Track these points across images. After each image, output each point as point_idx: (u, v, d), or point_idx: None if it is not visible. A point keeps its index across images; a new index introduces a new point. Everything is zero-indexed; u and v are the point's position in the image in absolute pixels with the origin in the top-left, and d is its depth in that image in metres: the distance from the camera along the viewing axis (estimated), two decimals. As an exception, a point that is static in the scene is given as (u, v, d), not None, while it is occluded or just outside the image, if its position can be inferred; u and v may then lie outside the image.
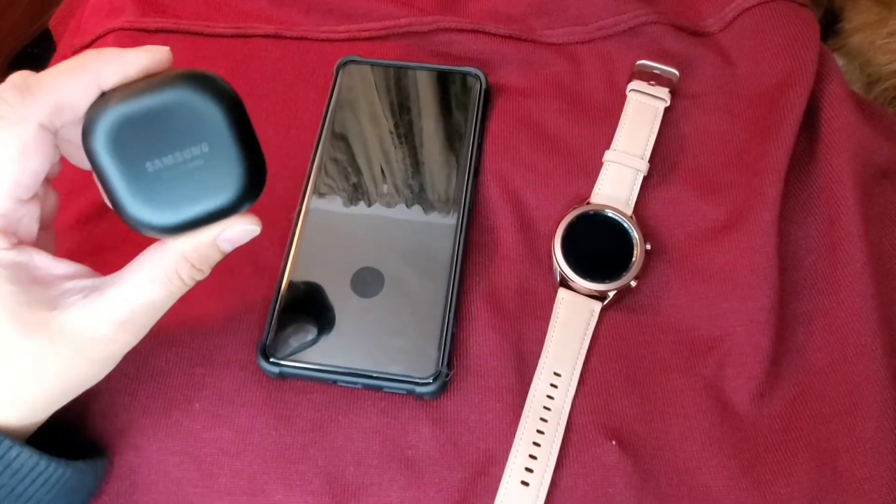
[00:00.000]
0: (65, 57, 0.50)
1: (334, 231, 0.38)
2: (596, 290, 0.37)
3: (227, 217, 0.29)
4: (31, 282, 0.27)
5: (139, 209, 0.27)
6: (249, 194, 0.29)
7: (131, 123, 0.26)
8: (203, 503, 0.33)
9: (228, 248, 0.31)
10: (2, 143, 0.26)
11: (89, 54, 0.27)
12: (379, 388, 0.35)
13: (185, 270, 0.29)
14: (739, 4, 0.43)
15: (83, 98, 0.27)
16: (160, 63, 0.29)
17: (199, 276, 0.30)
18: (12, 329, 0.26)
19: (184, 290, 0.30)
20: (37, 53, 0.61)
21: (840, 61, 0.46)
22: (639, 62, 0.42)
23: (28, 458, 0.28)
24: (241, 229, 0.30)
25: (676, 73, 0.41)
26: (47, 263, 0.29)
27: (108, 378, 0.34)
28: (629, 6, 0.44)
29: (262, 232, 0.39)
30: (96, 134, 0.26)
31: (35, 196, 0.28)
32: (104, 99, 0.27)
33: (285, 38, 0.46)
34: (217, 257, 0.30)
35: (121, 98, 0.26)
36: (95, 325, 0.28)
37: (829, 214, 0.37)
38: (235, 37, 0.46)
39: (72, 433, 0.34)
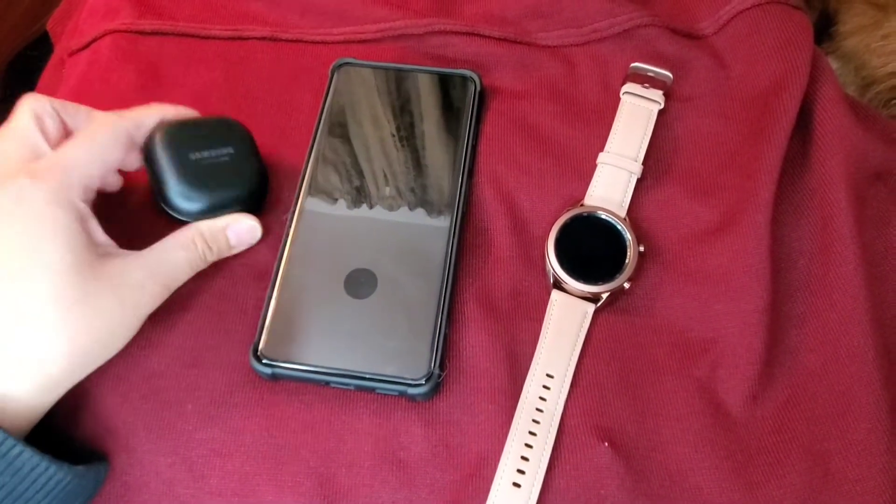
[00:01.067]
0: (61, 59, 0.50)
1: (328, 232, 0.38)
2: (589, 292, 0.37)
3: (240, 205, 0.38)
4: (91, 234, 0.33)
5: (181, 190, 0.37)
6: (257, 187, 0.39)
7: (183, 129, 0.38)
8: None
9: (234, 240, 0.38)
10: (108, 139, 0.35)
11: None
12: (371, 390, 0.35)
13: (200, 242, 0.36)
14: (734, 7, 0.43)
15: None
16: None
17: (210, 256, 0.37)
18: (77, 271, 0.31)
19: (198, 262, 0.36)
20: (35, 56, 0.61)
21: (834, 64, 0.46)
22: (633, 65, 0.42)
23: (29, 458, 0.28)
24: (247, 224, 0.38)
25: (670, 75, 0.41)
26: (97, 227, 0.34)
27: (100, 380, 0.34)
28: (623, 9, 0.44)
29: None
30: (159, 135, 0.37)
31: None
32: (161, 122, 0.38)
33: (281, 40, 0.46)
34: (224, 244, 0.38)
35: (174, 119, 0.38)
36: (132, 271, 0.33)
37: (822, 216, 0.37)
38: (231, 39, 0.46)
39: (65, 437, 0.34)
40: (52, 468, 0.29)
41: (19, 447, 0.28)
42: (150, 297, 0.33)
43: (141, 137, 0.37)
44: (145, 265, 0.33)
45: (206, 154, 0.38)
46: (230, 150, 0.38)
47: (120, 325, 0.32)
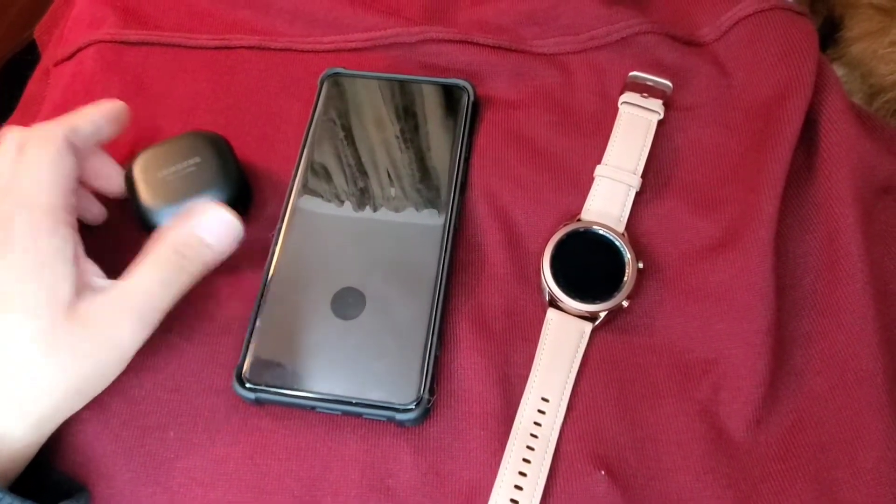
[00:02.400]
0: (47, 69, 0.49)
1: (315, 250, 0.37)
2: (586, 311, 0.36)
3: None
4: (76, 264, 0.31)
5: (149, 208, 0.37)
6: (232, 194, 0.38)
7: (152, 151, 0.38)
8: None
9: (210, 238, 0.34)
10: (44, 149, 0.32)
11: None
12: (359, 415, 0.34)
13: (168, 254, 0.33)
14: (735, 13, 0.41)
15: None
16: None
17: (190, 266, 0.33)
18: (56, 312, 0.30)
19: (178, 278, 0.33)
20: (29, 60, 0.60)
21: (840, 71, 0.45)
22: (631, 73, 0.40)
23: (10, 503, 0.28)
24: (216, 216, 0.34)
25: (670, 84, 0.40)
26: (81, 253, 0.32)
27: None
28: (622, 16, 0.42)
29: (240, 250, 0.38)
30: (132, 163, 0.38)
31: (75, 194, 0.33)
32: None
33: (269, 49, 0.45)
34: (199, 247, 0.34)
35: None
36: (103, 310, 0.31)
37: (829, 232, 0.36)
38: (219, 48, 0.45)
39: (45, 466, 0.33)
40: None
41: (0, 493, 0.28)
42: (129, 333, 0.31)
43: (81, 140, 0.35)
44: (115, 301, 0.31)
45: (172, 169, 0.38)
46: (197, 159, 0.38)
47: (104, 365, 0.31)
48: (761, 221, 0.35)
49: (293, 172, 0.39)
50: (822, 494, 0.32)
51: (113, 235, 0.39)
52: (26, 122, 0.47)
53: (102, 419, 0.34)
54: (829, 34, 0.47)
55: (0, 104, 0.53)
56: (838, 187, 0.36)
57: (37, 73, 0.51)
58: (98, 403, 0.34)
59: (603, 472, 0.32)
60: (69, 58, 0.46)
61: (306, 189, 0.39)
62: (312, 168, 0.39)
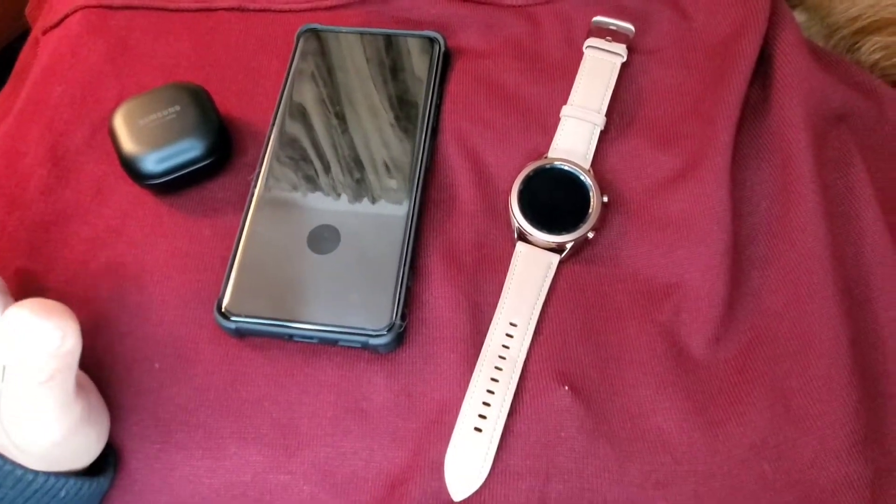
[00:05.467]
0: (35, 39, 0.51)
1: (292, 192, 0.39)
2: (553, 243, 0.37)
3: (198, 160, 0.39)
4: None
5: (131, 153, 0.38)
6: (212, 141, 0.39)
7: (134, 100, 0.40)
8: (161, 457, 0.34)
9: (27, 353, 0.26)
10: None
11: None
12: (334, 342, 0.35)
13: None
14: (694, -43, 0.43)
15: None
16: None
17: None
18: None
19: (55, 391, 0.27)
20: (20, 49, 0.62)
21: (802, 16, 0.46)
22: (595, 18, 0.42)
23: (45, 480, 0.29)
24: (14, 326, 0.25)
25: (632, 28, 0.41)
26: None
27: None
28: None
29: (222, 195, 0.39)
30: (114, 113, 0.40)
31: None
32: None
33: (248, 10, 0.46)
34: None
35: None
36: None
37: (782, 158, 0.37)
38: (200, 11, 0.47)
39: None
40: (70, 482, 0.30)
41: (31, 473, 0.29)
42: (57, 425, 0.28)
43: None
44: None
45: (153, 117, 0.39)
46: (177, 107, 0.39)
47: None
48: (717, 150, 0.37)
49: (271, 120, 0.41)
50: (776, 402, 0.33)
51: (107, 188, 0.40)
52: (17, 89, 0.49)
53: (90, 356, 0.35)
54: (790, -19, 0.48)
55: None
56: (791, 116, 0.37)
57: (27, 44, 0.53)
58: (86, 343, 0.35)
59: (566, 388, 0.33)
60: (57, 25, 0.48)
61: (283, 135, 0.40)
62: (290, 116, 0.41)
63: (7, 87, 0.52)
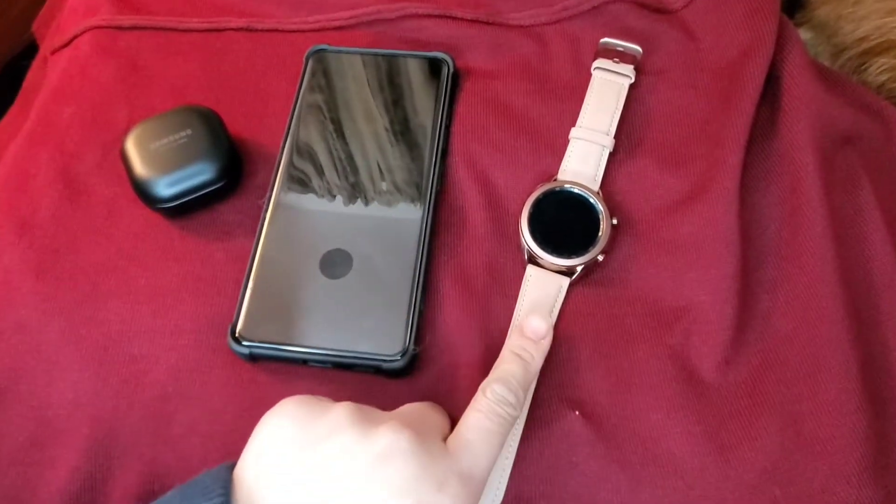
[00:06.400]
0: (44, 58, 0.51)
1: (303, 215, 0.39)
2: (563, 266, 0.37)
3: (212, 185, 0.39)
4: None
5: (144, 177, 0.39)
6: (223, 165, 0.39)
7: (146, 124, 0.40)
8: (177, 483, 0.34)
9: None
10: None
11: None
12: (348, 367, 0.35)
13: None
14: (701, -21, 0.43)
15: None
16: None
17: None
18: None
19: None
20: (27, 65, 0.62)
21: (808, 34, 0.46)
22: (602, 40, 0.42)
23: None
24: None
25: (639, 49, 0.42)
26: None
27: (82, 365, 0.35)
28: None
29: (233, 218, 0.40)
30: (127, 136, 0.40)
31: None
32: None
33: (257, 30, 0.47)
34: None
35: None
36: None
37: (791, 181, 0.37)
38: (209, 31, 0.47)
39: None
40: None
41: None
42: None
43: None
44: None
45: (164, 141, 0.39)
46: (188, 131, 0.39)
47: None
48: (726, 173, 0.37)
49: (282, 143, 0.41)
50: (787, 426, 0.33)
51: (118, 210, 0.40)
52: (25, 110, 0.49)
53: (102, 375, 0.36)
54: (796, 0, 0.48)
55: (2, 103, 0.54)
56: (799, 138, 0.37)
57: (35, 63, 0.53)
58: (99, 363, 0.36)
59: (577, 413, 0.34)
60: (66, 45, 0.48)
61: (294, 159, 0.41)
62: (299, 140, 0.41)
63: (15, 107, 0.52)
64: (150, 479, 0.34)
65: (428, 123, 0.41)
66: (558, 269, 0.38)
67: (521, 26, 0.45)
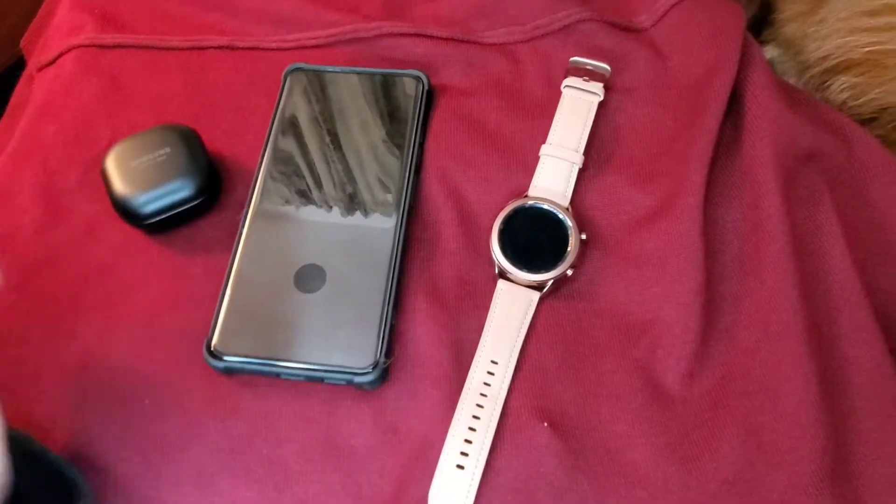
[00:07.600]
0: (31, 75, 0.52)
1: (279, 231, 0.40)
2: (534, 281, 0.38)
3: (191, 201, 0.40)
4: None
5: (123, 195, 0.40)
6: (201, 182, 0.40)
7: (126, 143, 0.41)
8: (151, 495, 0.35)
9: None
10: None
11: None
12: (321, 380, 0.36)
13: None
14: (669, 0, 0.44)
15: None
16: None
17: None
18: None
19: None
20: (19, 76, 0.63)
21: (775, 51, 0.47)
22: (572, 59, 0.43)
23: None
24: None
25: (608, 68, 0.43)
26: None
27: (59, 377, 0.36)
28: (563, 5, 0.45)
29: (212, 234, 0.40)
30: (107, 155, 0.41)
31: None
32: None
33: (238, 48, 0.48)
34: None
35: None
36: None
37: (752, 197, 0.38)
38: (191, 49, 0.48)
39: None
40: None
41: None
42: None
43: None
44: None
45: (144, 159, 0.40)
46: (167, 149, 0.40)
47: None
48: (690, 189, 0.38)
49: (259, 160, 0.42)
50: (748, 438, 0.34)
51: (99, 227, 0.41)
52: (13, 125, 0.50)
53: (80, 392, 0.36)
54: (765, 16, 0.49)
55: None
56: (761, 155, 0.38)
57: (22, 80, 0.54)
58: (75, 379, 0.37)
59: (546, 425, 0.35)
60: (51, 63, 0.49)
61: (271, 176, 0.41)
62: (277, 155, 0.42)
63: (2, 124, 0.53)
64: (126, 492, 0.35)
65: (402, 140, 0.42)
66: (529, 284, 0.38)
67: (495, 44, 0.46)
